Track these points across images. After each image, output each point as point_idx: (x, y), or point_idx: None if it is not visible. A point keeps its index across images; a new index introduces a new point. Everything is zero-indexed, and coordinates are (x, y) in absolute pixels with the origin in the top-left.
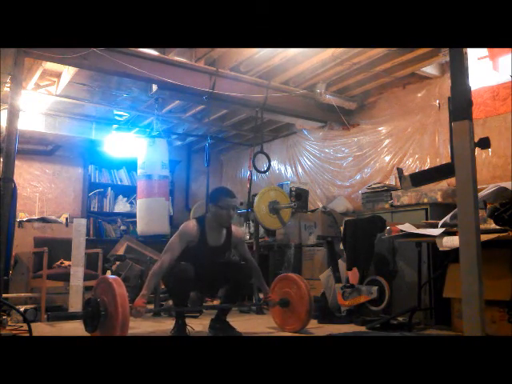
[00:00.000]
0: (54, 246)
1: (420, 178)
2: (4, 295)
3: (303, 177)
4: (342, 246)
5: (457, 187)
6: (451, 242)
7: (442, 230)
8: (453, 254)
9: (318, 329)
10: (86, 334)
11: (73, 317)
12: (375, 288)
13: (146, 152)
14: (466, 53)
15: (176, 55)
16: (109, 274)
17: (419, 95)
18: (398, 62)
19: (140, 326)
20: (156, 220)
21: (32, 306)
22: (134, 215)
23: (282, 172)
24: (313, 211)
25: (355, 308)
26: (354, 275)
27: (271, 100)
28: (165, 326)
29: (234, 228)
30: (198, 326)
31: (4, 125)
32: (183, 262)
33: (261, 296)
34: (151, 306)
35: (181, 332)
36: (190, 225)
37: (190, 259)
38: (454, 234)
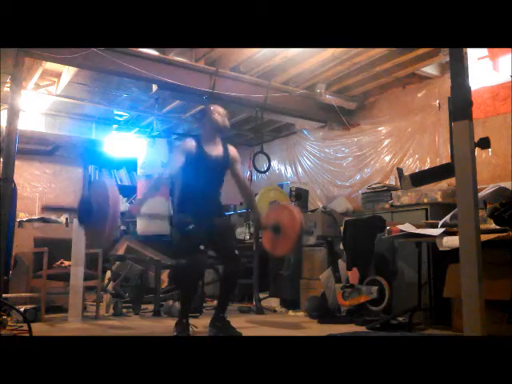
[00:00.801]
0: (54, 246)
1: (420, 178)
2: (4, 295)
3: (303, 177)
4: (341, 246)
5: (457, 187)
6: (451, 242)
7: (442, 230)
8: (453, 254)
9: (318, 329)
10: (85, 334)
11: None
12: (375, 288)
13: (146, 152)
14: (465, 53)
15: (176, 55)
16: (109, 274)
17: (419, 95)
18: (398, 62)
19: (140, 326)
20: (156, 220)
21: (32, 306)
22: (133, 215)
23: (282, 172)
24: (313, 211)
25: (355, 308)
26: (354, 275)
27: (271, 100)
28: (165, 325)
29: (230, 146)
30: (198, 326)
31: (4, 125)
32: (186, 179)
33: (261, 296)
34: (151, 307)
35: (184, 332)
36: (187, 139)
37: (192, 174)
38: (454, 234)
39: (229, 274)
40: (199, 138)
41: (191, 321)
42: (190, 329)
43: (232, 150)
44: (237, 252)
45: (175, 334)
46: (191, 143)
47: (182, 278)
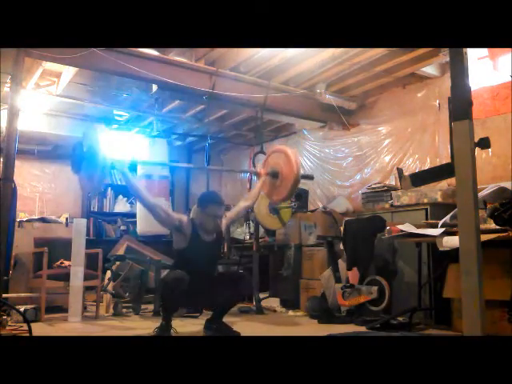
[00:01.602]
0: (53, 246)
1: (420, 178)
2: (4, 295)
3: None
4: (341, 246)
5: (457, 187)
6: (451, 241)
7: (442, 230)
8: (453, 254)
9: (318, 329)
10: (85, 334)
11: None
12: (375, 288)
13: (146, 152)
14: (465, 53)
15: (176, 55)
16: (109, 274)
17: (419, 95)
18: (398, 62)
19: (140, 326)
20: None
21: (32, 306)
22: (134, 215)
23: None
24: (313, 211)
25: (355, 308)
26: (354, 275)
27: (271, 100)
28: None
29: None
30: (198, 326)
31: (4, 125)
32: (180, 264)
33: (261, 296)
34: (151, 307)
35: (163, 333)
36: (184, 217)
37: (187, 261)
38: (454, 234)
39: (237, 292)
40: (194, 221)
41: (190, 321)
42: (172, 332)
43: (223, 225)
44: (241, 271)
45: (154, 333)
46: (187, 220)
47: (164, 290)
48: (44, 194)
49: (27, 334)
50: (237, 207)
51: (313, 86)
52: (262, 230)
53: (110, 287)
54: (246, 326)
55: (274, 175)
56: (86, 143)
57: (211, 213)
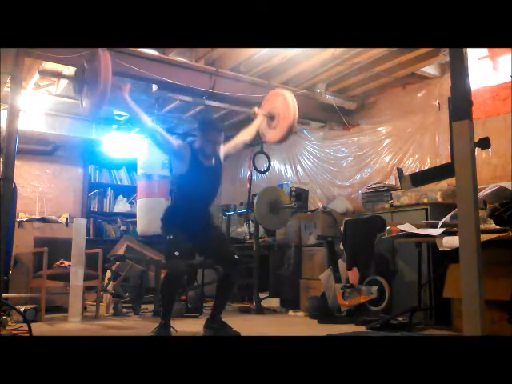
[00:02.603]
0: (54, 246)
1: (420, 178)
2: (4, 295)
3: (303, 177)
4: (341, 246)
5: (457, 187)
6: (451, 241)
7: (442, 230)
8: (453, 254)
9: (318, 329)
10: (85, 334)
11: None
12: (375, 288)
13: (146, 152)
14: (465, 53)
15: (176, 55)
16: (109, 274)
17: (419, 95)
18: (398, 62)
19: (140, 326)
20: (156, 220)
21: (32, 306)
22: (134, 215)
23: (282, 172)
24: (313, 211)
25: (355, 308)
26: (354, 275)
27: None
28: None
29: (220, 150)
30: (198, 326)
31: (4, 125)
32: (181, 193)
33: (261, 296)
34: (151, 307)
35: (163, 332)
36: (182, 143)
37: (187, 188)
38: (454, 234)
39: (228, 277)
40: (192, 145)
41: (190, 321)
42: (171, 330)
43: (221, 152)
44: (237, 256)
45: (152, 334)
46: (186, 146)
47: (162, 282)
48: (44, 193)
49: (27, 334)
50: (235, 140)
51: (313, 85)
52: (262, 230)
53: (109, 287)
54: (245, 326)
55: (271, 117)
56: (88, 67)
57: (211, 138)
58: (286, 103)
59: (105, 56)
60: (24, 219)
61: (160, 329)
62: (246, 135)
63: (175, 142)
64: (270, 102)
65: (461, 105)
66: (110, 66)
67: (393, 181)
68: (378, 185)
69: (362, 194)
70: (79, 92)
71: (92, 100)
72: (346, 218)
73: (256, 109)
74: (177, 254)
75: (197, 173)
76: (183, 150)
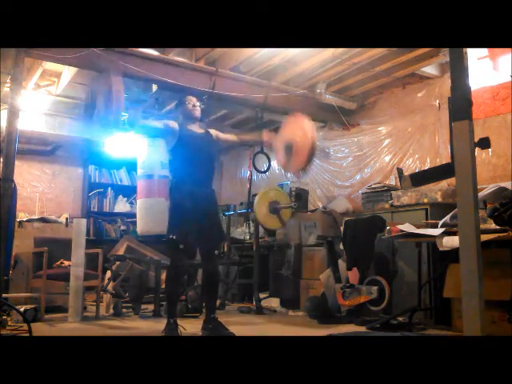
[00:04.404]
0: (54, 246)
1: (420, 178)
2: (4, 295)
3: (303, 177)
4: (341, 246)
5: (457, 187)
6: (451, 242)
7: (442, 230)
8: (453, 254)
9: (318, 329)
10: (85, 334)
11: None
12: (375, 288)
13: (146, 152)
14: (465, 53)
15: (176, 55)
16: (109, 274)
17: (419, 95)
18: (398, 62)
19: (140, 326)
20: (156, 220)
21: (32, 306)
22: (133, 215)
23: (282, 172)
24: (313, 211)
25: (355, 308)
26: (354, 275)
27: (271, 100)
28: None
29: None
30: (198, 326)
31: (4, 125)
32: (183, 159)
33: (261, 296)
34: (151, 307)
35: (172, 332)
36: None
37: (185, 153)
38: (454, 234)
39: (208, 274)
40: (178, 120)
41: (190, 321)
42: (179, 329)
43: (212, 130)
44: (216, 252)
45: (163, 334)
46: (173, 122)
47: (165, 280)
48: (44, 193)
49: (27, 334)
50: (229, 135)
51: (313, 85)
52: (262, 230)
53: (109, 287)
54: (245, 326)
55: (289, 147)
56: (99, 85)
57: (190, 102)
58: (304, 131)
59: (117, 81)
60: (24, 219)
61: (169, 329)
62: (241, 137)
63: (158, 122)
64: (286, 131)
65: (461, 105)
66: (123, 92)
67: (393, 181)
68: (378, 185)
69: (362, 193)
70: (91, 116)
71: (106, 122)
72: (346, 218)
73: (265, 133)
74: (182, 246)
75: (190, 141)
76: (170, 125)
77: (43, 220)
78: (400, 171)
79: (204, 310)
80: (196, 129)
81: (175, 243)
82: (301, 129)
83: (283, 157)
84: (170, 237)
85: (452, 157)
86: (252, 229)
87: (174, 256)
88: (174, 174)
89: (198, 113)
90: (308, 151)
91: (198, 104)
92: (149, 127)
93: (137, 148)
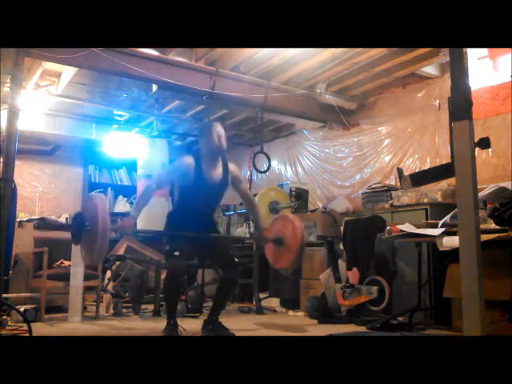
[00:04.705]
0: (54, 246)
1: (420, 178)
2: (4, 295)
3: (303, 177)
4: (342, 246)
5: (457, 187)
6: (451, 242)
7: (442, 230)
8: (453, 254)
9: (318, 329)
10: (85, 334)
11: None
12: (375, 288)
13: (146, 152)
14: (465, 53)
15: (176, 55)
16: (109, 274)
17: (419, 95)
18: (398, 62)
19: (140, 326)
20: (156, 220)
21: (32, 306)
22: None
23: (282, 172)
24: (313, 211)
25: (355, 308)
26: (354, 275)
27: (271, 100)
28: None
29: (231, 165)
30: (198, 326)
31: (4, 125)
32: (180, 201)
33: (261, 296)
34: (151, 307)
35: (172, 332)
36: (186, 157)
37: (187, 198)
38: (454, 234)
39: (228, 280)
40: (198, 157)
41: (190, 321)
42: (179, 330)
43: (233, 171)
44: (236, 260)
45: (163, 334)
46: (189, 161)
47: (164, 282)
48: (44, 193)
49: (27, 334)
50: (248, 196)
51: (313, 85)
52: None
53: (109, 287)
54: (245, 326)
55: (278, 243)
56: (87, 214)
57: (215, 133)
58: (294, 226)
59: (101, 199)
60: (24, 219)
61: (170, 329)
62: (252, 207)
63: (152, 184)
64: (276, 226)
65: (461, 105)
66: (107, 210)
67: (393, 181)
68: (378, 185)
69: (362, 193)
70: (78, 238)
71: (92, 246)
72: (346, 218)
73: (262, 230)
74: (177, 253)
75: (201, 190)
76: (162, 179)
77: (43, 220)
78: (400, 171)
79: (204, 310)
80: (214, 173)
81: (170, 251)
82: (291, 224)
83: (272, 250)
84: (167, 248)
85: (452, 157)
86: (252, 229)
87: (170, 260)
88: (172, 203)
89: (223, 146)
90: (298, 246)
91: (224, 134)
92: (147, 197)
93: (137, 148)
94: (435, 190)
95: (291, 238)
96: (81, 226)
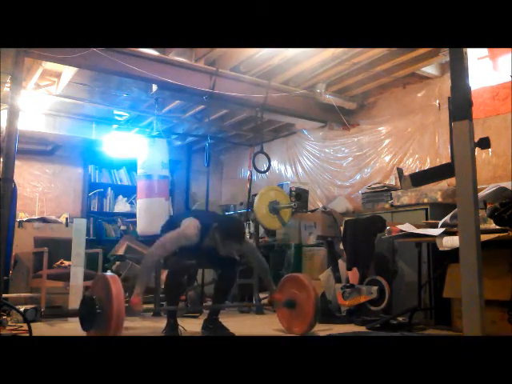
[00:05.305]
0: (54, 246)
1: (420, 178)
2: (4, 295)
3: (303, 177)
4: (342, 246)
5: (457, 187)
6: (451, 242)
7: (442, 230)
8: (453, 254)
9: (318, 329)
10: (85, 334)
11: (69, 314)
12: (375, 288)
13: (146, 152)
14: (465, 53)
15: (176, 55)
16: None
17: (419, 95)
18: (398, 62)
19: (140, 326)
20: (156, 220)
21: (32, 306)
22: (133, 215)
23: (282, 172)
24: (313, 211)
25: (355, 308)
26: (354, 275)
27: (271, 100)
28: (164, 325)
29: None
30: (198, 326)
31: (4, 125)
32: (175, 257)
33: (261, 296)
34: (151, 306)
35: (173, 332)
36: (191, 227)
37: (184, 256)
38: (454, 234)
39: (227, 278)
40: (208, 229)
41: (189, 321)
42: (179, 329)
43: (247, 243)
44: (237, 257)
45: (163, 334)
46: (194, 234)
47: (165, 280)
48: (44, 193)
49: (27, 334)
50: (260, 262)
51: (313, 85)
52: (262, 230)
53: None
54: (245, 326)
55: (291, 305)
56: (96, 289)
57: (227, 245)
58: (306, 288)
59: (115, 281)
60: (24, 219)
61: (169, 329)
62: (261, 269)
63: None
64: (288, 286)
65: (461, 105)
66: (123, 295)
67: (393, 181)
68: (378, 185)
69: (362, 193)
70: (88, 326)
71: (104, 332)
72: (346, 218)
73: (273, 292)
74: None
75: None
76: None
77: (43, 220)
78: (400, 171)
79: (204, 310)
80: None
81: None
82: (304, 287)
83: (285, 314)
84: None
85: (452, 157)
86: (252, 229)
87: (170, 258)
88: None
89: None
90: (313, 309)
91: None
92: (150, 270)
93: (137, 148)
94: (435, 190)
95: (306, 303)
96: (91, 311)
